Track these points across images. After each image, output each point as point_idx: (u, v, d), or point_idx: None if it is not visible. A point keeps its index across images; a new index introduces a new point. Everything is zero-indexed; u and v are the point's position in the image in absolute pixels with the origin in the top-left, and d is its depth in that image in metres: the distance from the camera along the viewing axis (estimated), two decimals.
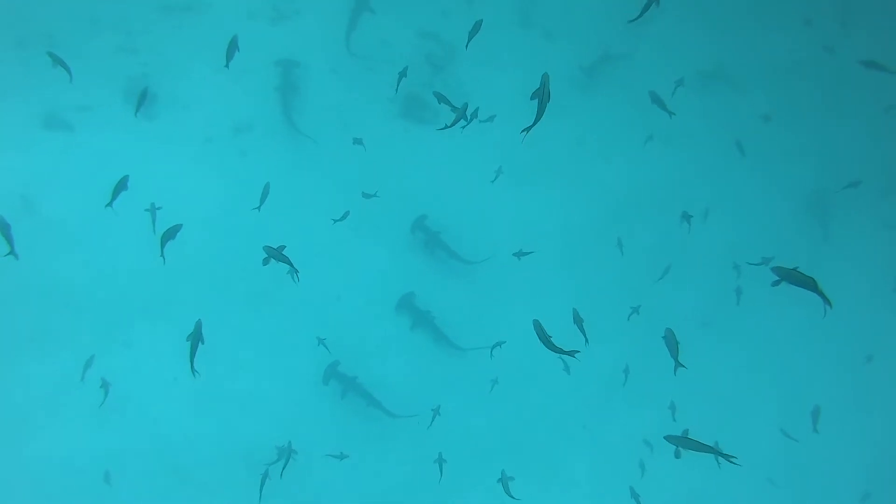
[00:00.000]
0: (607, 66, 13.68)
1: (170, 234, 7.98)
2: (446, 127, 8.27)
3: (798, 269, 5.61)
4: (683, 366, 6.67)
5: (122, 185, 8.39)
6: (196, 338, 7.05)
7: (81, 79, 9.78)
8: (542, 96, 6.07)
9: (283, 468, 9.67)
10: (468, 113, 8.38)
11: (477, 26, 8.51)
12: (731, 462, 5.74)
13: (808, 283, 5.55)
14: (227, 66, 8.84)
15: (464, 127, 8.42)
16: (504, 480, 9.24)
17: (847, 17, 14.18)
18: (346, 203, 10.97)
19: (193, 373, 6.94)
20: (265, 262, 7.30)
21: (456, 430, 11.39)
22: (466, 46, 8.47)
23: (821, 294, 5.59)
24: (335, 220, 10.46)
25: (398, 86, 9.60)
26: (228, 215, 11.59)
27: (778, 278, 5.69)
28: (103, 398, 10.04)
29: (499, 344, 10.73)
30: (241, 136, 12.50)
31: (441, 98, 8.86)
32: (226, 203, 11.73)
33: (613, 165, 13.22)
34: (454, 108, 8.33)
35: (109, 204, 8.36)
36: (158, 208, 9.94)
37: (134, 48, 12.53)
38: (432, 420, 10.63)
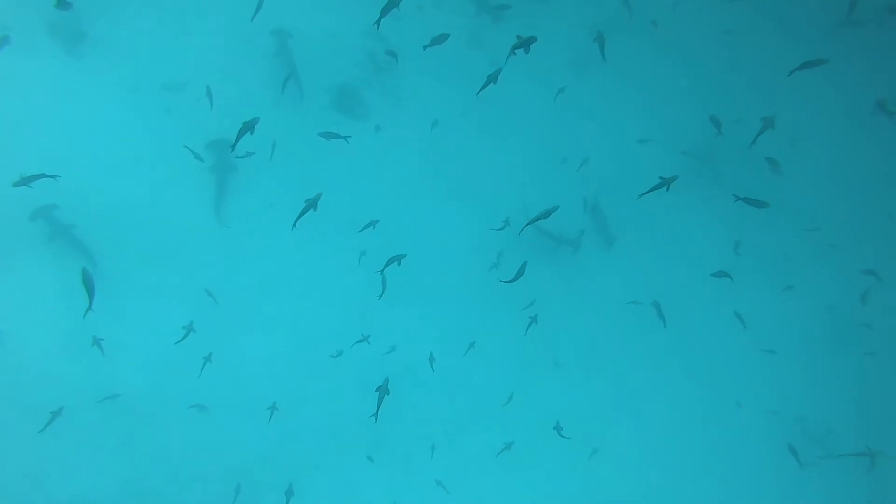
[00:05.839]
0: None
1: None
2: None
3: None
4: None
5: None
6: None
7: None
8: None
9: None
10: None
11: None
12: None
13: None
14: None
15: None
16: None
17: None
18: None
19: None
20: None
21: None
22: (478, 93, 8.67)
23: None
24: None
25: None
26: (135, 163, 11.57)
27: None
28: None
29: None
30: (169, 93, 12.25)
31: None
32: (137, 150, 11.66)
33: None
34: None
35: None
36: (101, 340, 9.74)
37: None
38: (270, 416, 10.35)
